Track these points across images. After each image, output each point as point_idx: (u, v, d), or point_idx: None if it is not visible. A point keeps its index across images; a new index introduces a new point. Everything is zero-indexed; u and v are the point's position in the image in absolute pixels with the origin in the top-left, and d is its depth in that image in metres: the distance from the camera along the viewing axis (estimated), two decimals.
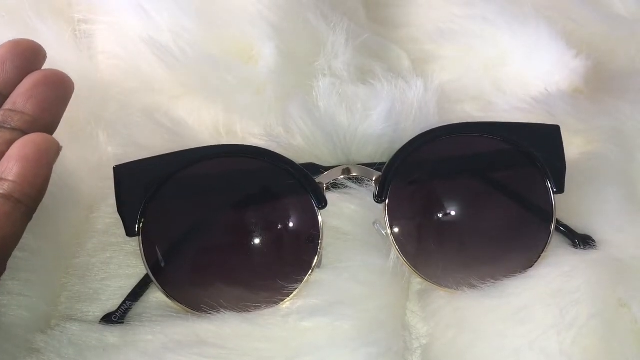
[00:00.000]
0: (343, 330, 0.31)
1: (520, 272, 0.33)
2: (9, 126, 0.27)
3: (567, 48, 0.44)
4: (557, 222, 0.35)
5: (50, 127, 0.28)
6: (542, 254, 0.34)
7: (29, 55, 0.28)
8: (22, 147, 0.26)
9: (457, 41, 0.46)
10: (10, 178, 0.26)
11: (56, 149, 0.27)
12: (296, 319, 0.31)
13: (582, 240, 0.35)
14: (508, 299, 0.32)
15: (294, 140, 0.38)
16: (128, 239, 0.32)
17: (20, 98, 0.27)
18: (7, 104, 0.27)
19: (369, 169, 0.35)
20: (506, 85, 0.45)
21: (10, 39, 0.29)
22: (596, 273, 0.32)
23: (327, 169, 0.35)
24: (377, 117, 0.38)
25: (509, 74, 0.45)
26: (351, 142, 0.37)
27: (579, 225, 0.36)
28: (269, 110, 0.40)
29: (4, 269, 0.26)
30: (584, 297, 0.31)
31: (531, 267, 0.33)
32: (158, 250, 0.32)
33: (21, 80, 0.28)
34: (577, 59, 0.43)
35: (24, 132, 0.27)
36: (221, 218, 0.34)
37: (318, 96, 0.39)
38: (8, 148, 0.26)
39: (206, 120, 0.40)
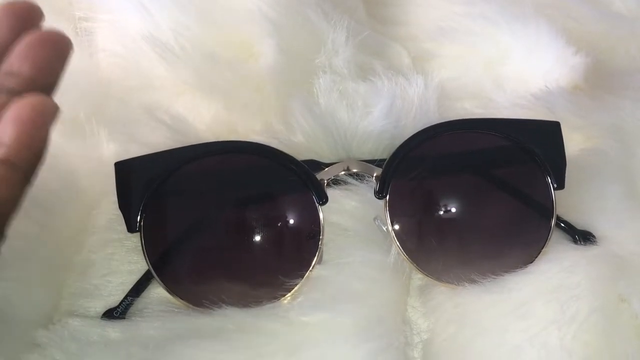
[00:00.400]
0: (344, 326, 0.31)
1: (520, 267, 0.33)
2: (5, 89, 0.25)
3: (567, 46, 0.44)
4: (558, 218, 0.35)
5: (48, 87, 0.26)
6: (543, 250, 0.34)
7: (24, 15, 0.27)
8: (17, 109, 0.25)
9: (457, 39, 0.46)
10: (5, 141, 0.24)
11: (53, 109, 0.25)
12: (297, 315, 0.31)
13: (582, 236, 0.35)
14: (509, 294, 0.32)
15: (295, 137, 0.38)
16: (129, 235, 0.33)
17: (16, 59, 0.26)
18: (3, 67, 0.26)
19: (369, 165, 0.35)
20: (506, 83, 0.45)
21: None
22: (596, 269, 0.32)
23: (327, 165, 0.35)
24: (377, 114, 0.38)
25: (509, 71, 0.45)
26: (352, 138, 0.38)
27: (579, 221, 0.36)
28: (269, 107, 0.40)
29: (3, 236, 0.25)
30: (585, 292, 0.31)
31: (532, 262, 0.33)
32: (159, 246, 0.32)
33: (16, 39, 0.26)
34: (576, 56, 0.43)
35: (21, 95, 0.25)
36: (222, 214, 0.34)
37: (318, 93, 0.39)
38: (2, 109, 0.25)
39: (206, 118, 0.40)
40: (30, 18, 0.27)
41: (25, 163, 0.25)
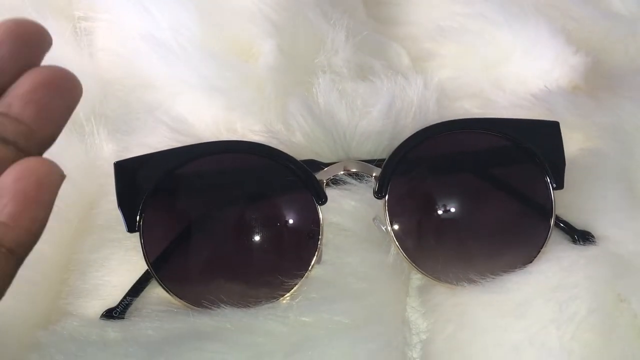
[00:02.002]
0: (343, 326, 0.31)
1: (519, 267, 0.33)
2: (1, 137, 0.21)
3: (567, 45, 0.44)
4: (557, 217, 0.35)
5: (49, 141, 0.22)
6: (542, 250, 0.34)
7: (32, 40, 0.22)
8: (18, 179, 0.20)
9: (456, 39, 0.46)
10: (1, 219, 0.20)
11: (59, 181, 0.21)
12: (296, 314, 0.31)
13: (581, 236, 0.35)
14: (508, 294, 0.32)
15: (294, 137, 0.38)
16: (128, 234, 0.32)
17: (18, 101, 0.21)
18: (1, 105, 0.22)
19: (368, 165, 0.35)
20: (506, 83, 0.45)
21: None
22: (595, 268, 0.32)
23: (327, 165, 0.35)
24: (376, 113, 0.38)
25: (508, 71, 0.45)
26: (351, 138, 0.38)
27: (578, 221, 0.36)
28: (269, 107, 0.40)
29: None
30: (584, 292, 0.31)
31: (531, 262, 0.33)
32: (158, 246, 0.32)
33: (18, 70, 0.22)
34: (576, 56, 0.43)
35: (18, 148, 0.21)
36: (221, 214, 0.34)
37: (318, 93, 0.39)
38: None
39: (206, 117, 0.40)
40: (37, 44, 0.22)
41: (20, 249, 0.21)
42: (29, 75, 0.22)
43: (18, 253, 0.21)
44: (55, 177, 0.21)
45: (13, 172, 0.20)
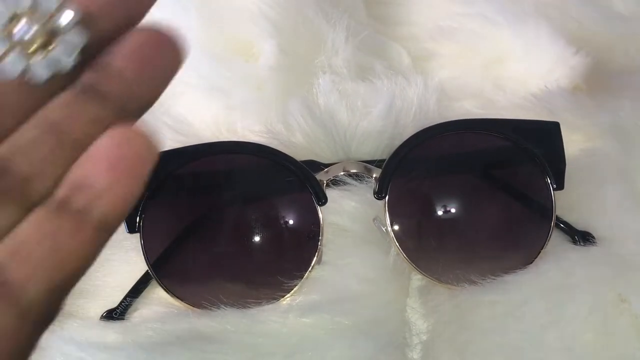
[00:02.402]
0: (343, 327, 0.31)
1: (520, 268, 0.33)
2: (98, 93, 0.19)
3: (567, 45, 0.44)
4: (557, 218, 0.35)
5: (147, 104, 0.20)
6: (542, 250, 0.34)
7: (133, 4, 0.20)
8: (115, 147, 0.19)
9: (457, 39, 0.46)
10: (95, 188, 0.18)
11: (154, 160, 0.19)
12: (296, 315, 0.31)
13: (581, 237, 0.35)
14: (508, 295, 0.32)
15: (294, 137, 0.38)
16: (129, 235, 0.32)
17: (120, 57, 0.20)
18: (103, 57, 0.20)
19: (369, 165, 0.35)
20: (506, 83, 0.45)
21: None
22: (596, 269, 0.32)
23: (327, 165, 0.35)
24: (377, 114, 0.38)
25: (508, 71, 0.45)
26: (351, 139, 0.37)
27: (579, 221, 0.36)
28: (269, 107, 0.40)
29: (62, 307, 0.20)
30: (584, 292, 0.31)
31: (531, 263, 0.33)
32: (158, 247, 0.32)
33: (121, 29, 0.20)
34: (576, 56, 0.43)
35: (116, 108, 0.19)
36: (221, 214, 0.34)
37: (318, 93, 0.39)
38: (93, 130, 0.19)
39: (206, 117, 0.40)
40: (140, 8, 0.21)
41: (108, 223, 0.19)
42: (133, 34, 0.20)
43: (105, 227, 0.19)
44: (152, 154, 0.19)
45: (112, 137, 0.19)
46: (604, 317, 0.31)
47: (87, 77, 0.20)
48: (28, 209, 0.19)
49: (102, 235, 0.19)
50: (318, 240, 0.33)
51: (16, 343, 0.18)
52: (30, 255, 0.18)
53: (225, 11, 0.41)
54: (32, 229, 0.18)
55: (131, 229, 0.32)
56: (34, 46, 0.19)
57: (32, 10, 0.19)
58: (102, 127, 0.19)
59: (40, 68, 0.19)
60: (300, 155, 0.36)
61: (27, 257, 0.18)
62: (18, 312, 0.18)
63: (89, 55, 0.20)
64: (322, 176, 0.34)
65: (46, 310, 0.19)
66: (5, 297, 0.18)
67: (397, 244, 0.33)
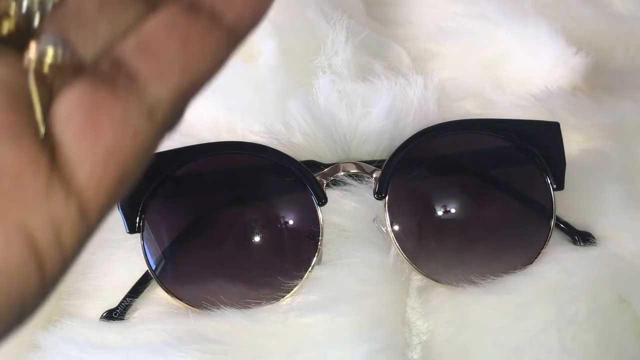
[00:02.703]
0: (343, 327, 0.31)
1: (520, 268, 0.33)
2: None
3: (567, 46, 0.44)
4: (557, 218, 0.35)
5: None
6: (542, 251, 0.34)
7: None
8: None
9: (457, 39, 0.46)
10: None
11: None
12: (296, 315, 0.31)
13: (581, 237, 0.35)
14: (508, 295, 0.32)
15: (294, 138, 0.38)
16: (129, 235, 0.33)
17: None
18: None
19: (368, 166, 0.35)
20: (506, 83, 0.45)
21: None
22: (596, 269, 0.32)
23: (327, 166, 0.35)
24: (376, 114, 0.38)
25: (508, 71, 0.45)
26: (351, 139, 0.37)
27: (579, 221, 0.36)
28: (269, 107, 0.40)
29: (183, 115, 0.19)
30: (584, 293, 0.31)
31: (531, 263, 0.33)
32: (158, 247, 0.32)
33: None
34: (577, 56, 0.43)
35: None
36: (221, 215, 0.34)
37: (318, 93, 0.39)
38: None
39: (206, 117, 0.40)
40: None
41: (240, 27, 0.18)
42: None
43: (235, 33, 0.18)
44: None
45: None
46: (604, 318, 0.31)
47: None
48: (155, 5, 0.18)
49: (231, 42, 0.18)
50: (318, 241, 0.33)
51: (141, 141, 0.17)
52: (160, 50, 0.17)
53: None
54: (162, 24, 0.17)
55: (131, 229, 0.32)
56: None
57: None
58: None
59: None
60: (300, 155, 0.36)
61: (156, 52, 0.17)
62: (145, 110, 0.17)
63: None
64: (322, 176, 0.34)
65: (170, 114, 0.18)
66: (133, 92, 0.17)
67: (397, 244, 0.33)
